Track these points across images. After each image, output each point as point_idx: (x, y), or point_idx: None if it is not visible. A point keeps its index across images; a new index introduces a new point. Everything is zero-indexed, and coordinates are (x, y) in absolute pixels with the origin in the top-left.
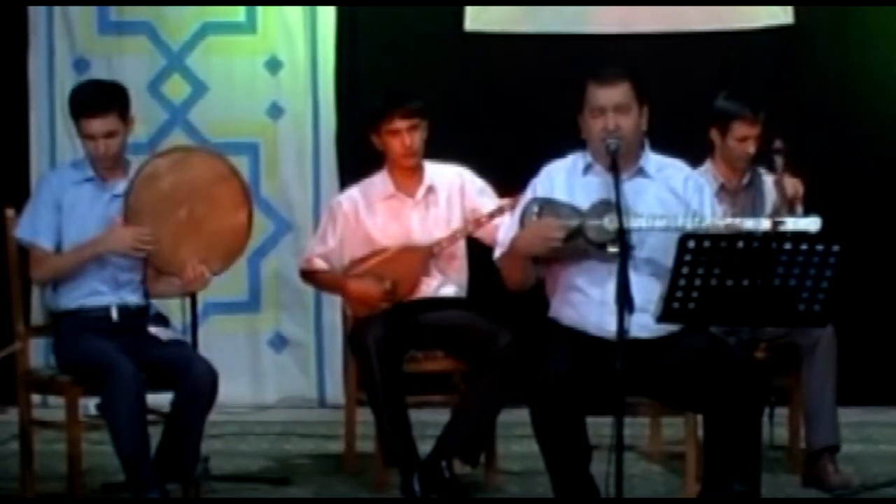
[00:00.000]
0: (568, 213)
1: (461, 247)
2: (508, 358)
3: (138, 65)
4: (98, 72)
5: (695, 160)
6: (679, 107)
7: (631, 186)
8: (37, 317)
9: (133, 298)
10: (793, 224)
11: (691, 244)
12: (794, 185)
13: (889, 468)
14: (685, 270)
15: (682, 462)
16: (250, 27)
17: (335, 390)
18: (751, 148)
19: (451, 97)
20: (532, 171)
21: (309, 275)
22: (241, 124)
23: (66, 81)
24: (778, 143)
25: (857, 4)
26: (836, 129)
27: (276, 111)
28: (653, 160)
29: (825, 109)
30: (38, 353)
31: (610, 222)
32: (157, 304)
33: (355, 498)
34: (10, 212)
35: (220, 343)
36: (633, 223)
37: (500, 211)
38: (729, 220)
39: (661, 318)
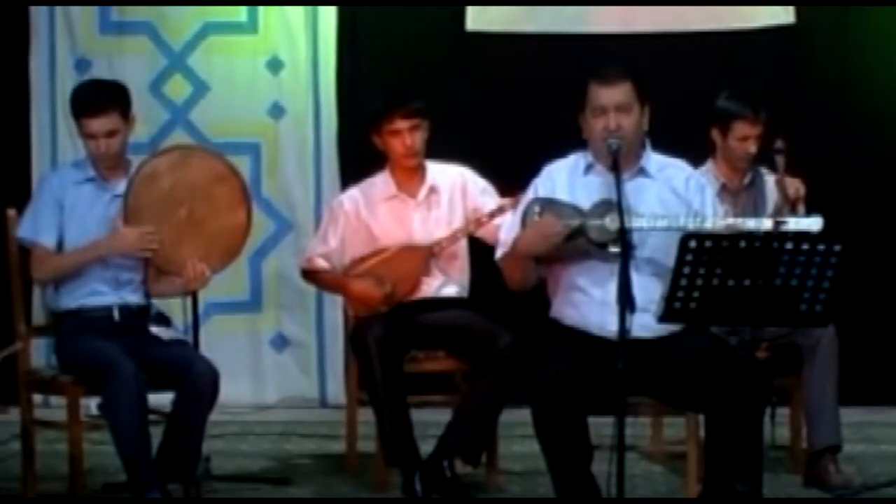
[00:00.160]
0: (569, 213)
1: (463, 246)
2: (509, 358)
3: (139, 65)
4: (99, 72)
5: (696, 160)
6: (680, 107)
7: (632, 186)
8: (38, 317)
9: (134, 298)
10: (794, 224)
11: (693, 244)
12: (795, 186)
13: (890, 468)
14: (687, 270)
15: (683, 462)
16: (251, 27)
17: (336, 390)
18: (752, 148)
19: (452, 97)
20: (533, 170)
21: (310, 274)
22: (243, 124)
23: (68, 81)
24: (779, 143)
25: (858, 4)
26: (836, 129)
27: (277, 111)
28: (654, 160)
29: (825, 109)
30: (39, 353)
31: (611, 222)
32: (159, 303)
33: (356, 498)
34: (11, 212)
35: (221, 343)
36: (635, 223)
37: (500, 210)
38: (731, 220)
39: (663, 317)
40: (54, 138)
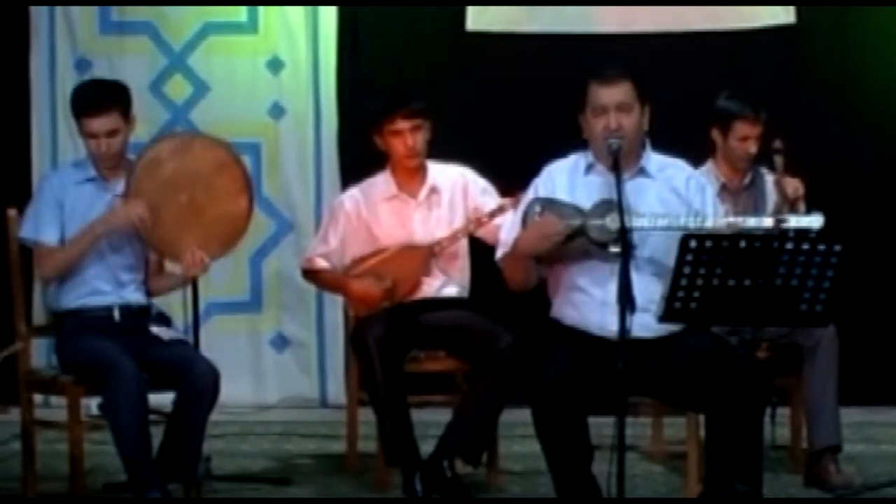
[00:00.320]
0: (570, 213)
1: (463, 246)
2: (510, 358)
3: (140, 65)
4: (100, 72)
5: (696, 160)
6: (680, 107)
7: (632, 186)
8: (38, 316)
9: (135, 298)
10: (795, 222)
11: (693, 244)
12: (794, 186)
13: (891, 468)
14: (687, 270)
15: (683, 462)
16: (252, 27)
17: (337, 390)
18: (752, 148)
19: (453, 97)
20: (533, 170)
21: (310, 274)
22: (243, 124)
23: (68, 81)
24: (777, 143)
25: (858, 4)
26: (836, 129)
27: (277, 111)
28: (654, 160)
29: (825, 109)
30: (39, 353)
31: (612, 222)
32: (159, 303)
33: (357, 498)
34: (11, 212)
35: (221, 343)
36: (636, 223)
37: (500, 210)
38: (731, 220)
39: (663, 317)
40: (54, 138)
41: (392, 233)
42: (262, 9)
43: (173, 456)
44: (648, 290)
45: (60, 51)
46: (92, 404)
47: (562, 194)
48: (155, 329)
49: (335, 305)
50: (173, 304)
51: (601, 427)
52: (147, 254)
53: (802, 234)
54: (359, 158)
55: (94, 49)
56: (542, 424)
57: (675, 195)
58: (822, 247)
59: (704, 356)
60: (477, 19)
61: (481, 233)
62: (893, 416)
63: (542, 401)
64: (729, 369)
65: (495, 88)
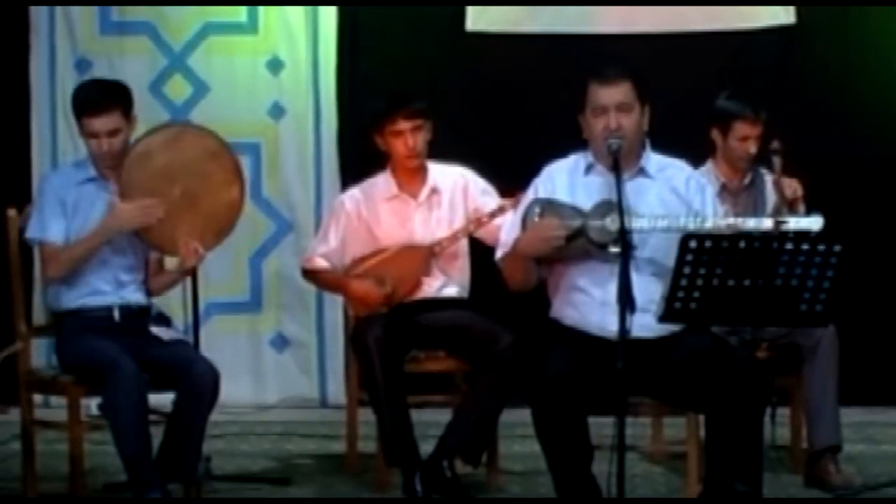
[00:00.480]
0: (570, 214)
1: (463, 247)
2: (510, 358)
3: (140, 65)
4: (99, 72)
5: (696, 160)
6: (680, 107)
7: (632, 186)
8: (38, 316)
9: (135, 298)
10: (795, 223)
11: (693, 244)
12: (793, 186)
13: (891, 468)
14: (687, 270)
15: (683, 462)
16: (252, 27)
17: (337, 390)
18: (752, 148)
19: (453, 97)
20: (533, 170)
21: (310, 274)
22: (243, 124)
23: (68, 82)
24: (775, 144)
25: (858, 4)
26: (836, 128)
27: (277, 111)
28: (654, 160)
29: (825, 109)
30: (39, 353)
31: (612, 222)
32: (159, 303)
33: (357, 498)
34: (11, 212)
35: (221, 343)
36: (636, 223)
37: (500, 210)
38: (731, 220)
39: (663, 318)
40: (54, 138)
41: (392, 233)
42: (262, 9)
43: (173, 456)
44: (648, 290)
45: (60, 51)
46: (92, 404)
47: (562, 194)
48: (155, 329)
49: (335, 306)
50: (173, 304)
51: (601, 427)
52: (147, 254)
53: (802, 234)
54: (359, 158)
55: (94, 49)
56: (542, 424)
57: (675, 195)
58: (821, 247)
59: (704, 356)
60: (477, 19)
61: (481, 233)
62: (893, 416)
63: (541, 401)
64: (729, 369)
65: (495, 88)
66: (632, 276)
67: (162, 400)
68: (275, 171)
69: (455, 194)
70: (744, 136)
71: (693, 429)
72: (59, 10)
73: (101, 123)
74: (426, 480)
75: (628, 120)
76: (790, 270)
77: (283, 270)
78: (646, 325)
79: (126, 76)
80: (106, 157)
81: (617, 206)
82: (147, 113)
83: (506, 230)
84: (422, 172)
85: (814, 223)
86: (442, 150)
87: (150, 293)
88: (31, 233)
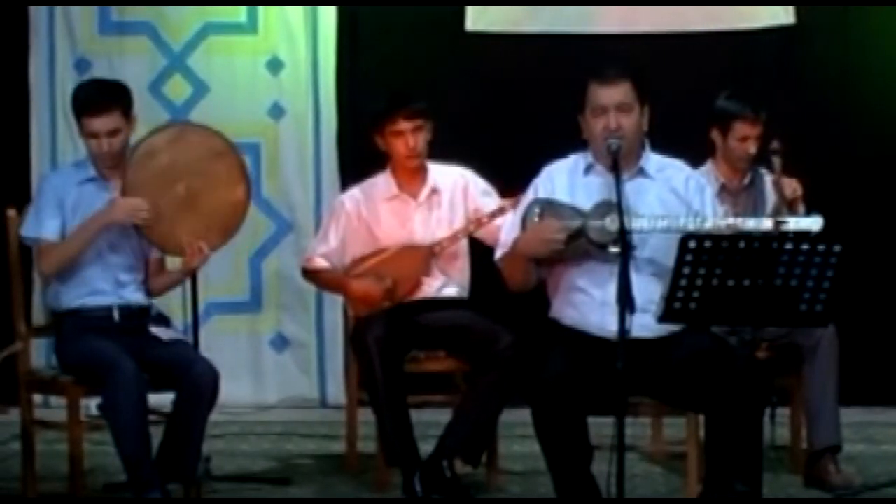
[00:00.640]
0: (570, 214)
1: (463, 247)
2: (510, 358)
3: (139, 65)
4: (99, 72)
5: (696, 160)
6: (680, 107)
7: (632, 186)
8: (38, 317)
9: (135, 298)
10: (795, 224)
11: (692, 244)
12: (792, 186)
13: (891, 468)
14: (686, 270)
15: (683, 462)
16: (251, 27)
17: (336, 390)
18: (752, 148)
19: (452, 97)
20: (533, 171)
21: (310, 273)
22: (243, 124)
23: (68, 82)
24: (775, 144)
25: (858, 4)
26: (836, 129)
27: (277, 111)
28: (653, 160)
29: (825, 109)
30: (39, 354)
31: (612, 223)
32: (159, 304)
33: (357, 498)
34: (11, 212)
35: (221, 343)
36: (636, 224)
37: (501, 211)
38: (731, 220)
39: (663, 318)
40: (54, 138)
41: (392, 233)
42: (261, 9)
43: (173, 456)
44: (648, 290)
45: (60, 51)
46: (92, 404)
47: (561, 195)
48: (154, 329)
49: (335, 306)
50: (173, 304)
51: (601, 427)
52: (147, 254)
53: (802, 234)
54: (358, 158)
55: (93, 49)
56: (542, 424)
57: (675, 195)
58: (821, 247)
59: (704, 356)
60: (476, 19)
61: (481, 233)
62: (893, 416)
63: (541, 401)
64: (729, 369)
65: (495, 88)
66: (631, 277)
67: (162, 400)
68: (274, 171)
69: (455, 194)
70: (743, 136)
71: (693, 429)
72: (58, 10)
73: (100, 123)
74: (426, 480)
75: (628, 120)
76: (790, 270)
77: (283, 270)
78: (645, 325)
79: (126, 76)
80: (106, 157)
81: (616, 206)
82: (147, 113)
83: (505, 230)
84: (422, 172)
85: (813, 223)
86: (442, 150)
87: (149, 293)
88: (27, 231)
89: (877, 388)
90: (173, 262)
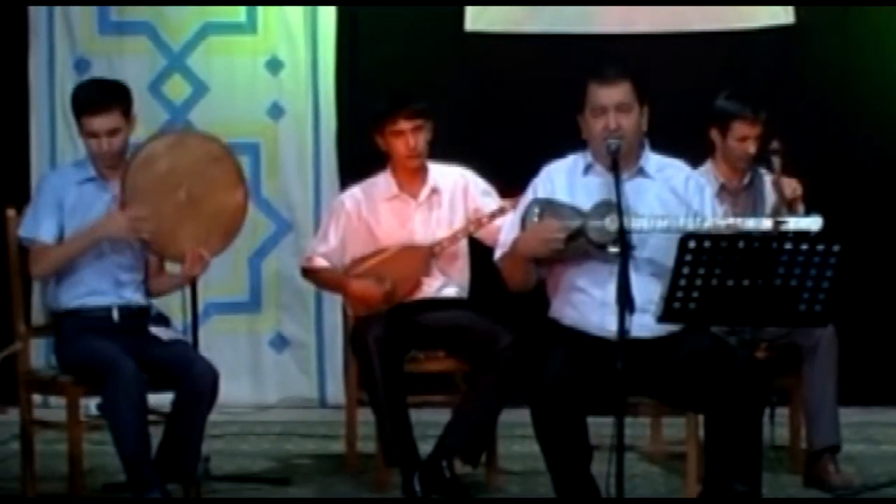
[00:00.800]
0: (569, 214)
1: (463, 247)
2: (509, 358)
3: (139, 65)
4: (99, 72)
5: (695, 160)
6: (679, 107)
7: (631, 186)
8: (38, 317)
9: (134, 298)
10: (794, 224)
11: (692, 244)
12: (792, 186)
13: (890, 468)
14: (686, 270)
15: (683, 462)
16: (251, 27)
17: (336, 390)
18: (751, 148)
19: (452, 97)
20: (533, 171)
21: (310, 273)
22: (242, 124)
23: (67, 82)
24: (775, 144)
25: (858, 4)
26: (836, 128)
27: (276, 111)
28: (653, 160)
29: (825, 109)
30: (39, 354)
31: (611, 223)
32: (158, 304)
33: (356, 498)
34: (11, 212)
35: (220, 343)
36: (635, 224)
37: (500, 211)
38: (730, 220)
39: (662, 318)
40: (53, 138)
41: (392, 233)
42: (261, 9)
43: (172, 456)
44: (647, 290)
45: (59, 51)
46: (91, 404)
47: (561, 195)
48: (154, 329)
49: (334, 306)
50: (172, 304)
51: (601, 427)
52: (147, 254)
53: (801, 234)
54: (358, 158)
55: (93, 49)
56: (541, 424)
57: (674, 195)
58: (821, 247)
59: (704, 356)
60: (476, 19)
61: (481, 234)
62: (893, 416)
63: (541, 401)
64: (728, 369)
65: (495, 88)
66: (631, 277)
67: (161, 400)
68: (274, 171)
69: (455, 194)
70: (743, 136)
71: (692, 429)
72: (58, 9)
73: (100, 123)
74: (425, 480)
75: (627, 120)
76: (789, 270)
77: (283, 270)
78: (645, 325)
79: (125, 76)
80: (105, 157)
81: (616, 206)
82: (146, 113)
83: (505, 230)
84: (422, 172)
85: (813, 223)
86: (442, 150)
87: (148, 294)
88: (24, 231)
89: (876, 388)
90: (173, 266)
